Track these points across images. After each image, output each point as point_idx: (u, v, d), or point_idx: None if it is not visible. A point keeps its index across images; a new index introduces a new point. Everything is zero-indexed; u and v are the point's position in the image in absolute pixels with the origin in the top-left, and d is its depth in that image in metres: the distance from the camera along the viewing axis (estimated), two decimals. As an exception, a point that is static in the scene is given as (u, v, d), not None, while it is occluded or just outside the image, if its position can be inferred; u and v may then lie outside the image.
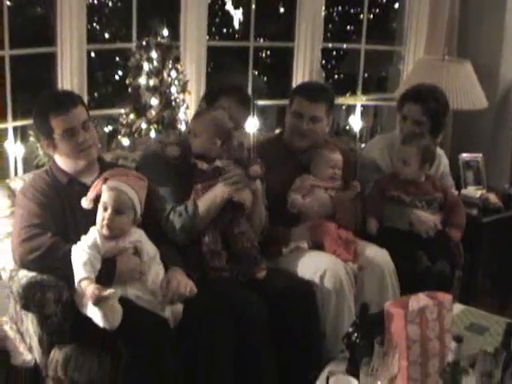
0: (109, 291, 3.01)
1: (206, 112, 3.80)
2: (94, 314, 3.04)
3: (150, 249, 3.34)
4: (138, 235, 3.33)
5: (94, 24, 7.14)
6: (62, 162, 3.48)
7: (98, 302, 2.98)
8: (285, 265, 3.88)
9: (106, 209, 3.22)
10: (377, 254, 3.98)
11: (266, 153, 4.05)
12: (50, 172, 3.53)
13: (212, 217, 3.64)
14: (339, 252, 3.88)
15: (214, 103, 3.97)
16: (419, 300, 2.91)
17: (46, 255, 3.22)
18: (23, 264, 3.28)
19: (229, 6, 9.11)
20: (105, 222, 3.20)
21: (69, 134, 3.38)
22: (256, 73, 6.12)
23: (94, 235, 3.21)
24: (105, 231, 3.20)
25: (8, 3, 4.66)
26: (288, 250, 3.92)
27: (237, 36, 8.79)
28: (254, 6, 5.63)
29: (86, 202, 3.30)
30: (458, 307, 3.63)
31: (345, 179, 4.21)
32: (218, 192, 3.63)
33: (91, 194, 3.30)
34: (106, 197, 3.23)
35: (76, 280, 3.08)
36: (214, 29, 6.59)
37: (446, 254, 4.15)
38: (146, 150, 4.04)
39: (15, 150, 4.58)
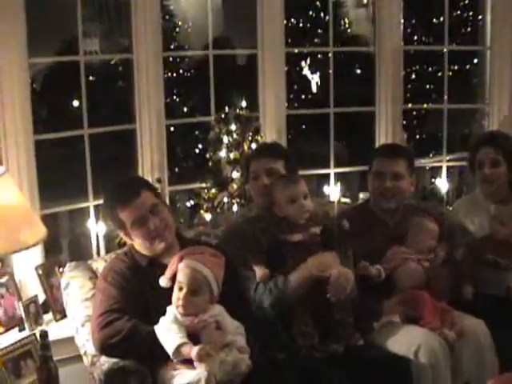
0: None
1: (286, 178, 3.76)
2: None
3: (231, 322, 3.25)
4: (218, 310, 3.25)
5: (174, 97, 7.16)
6: (140, 247, 3.46)
7: (206, 357, 2.99)
8: (377, 340, 3.73)
9: (181, 289, 3.17)
10: (473, 325, 3.79)
11: (353, 222, 3.93)
12: (129, 254, 3.50)
13: (304, 292, 3.53)
14: (436, 322, 3.70)
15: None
16: (525, 377, 2.75)
17: (127, 339, 3.17)
18: (103, 351, 3.24)
19: (306, 71, 9.10)
20: (180, 302, 3.15)
21: (139, 223, 3.38)
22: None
23: (172, 313, 3.16)
24: (181, 310, 3.15)
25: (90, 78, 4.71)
26: (380, 325, 3.78)
27: (316, 98, 8.76)
28: (331, 71, 5.58)
29: (164, 281, 3.26)
30: None
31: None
32: (311, 267, 3.53)
33: (168, 272, 3.27)
34: (181, 276, 3.19)
35: (172, 349, 3.04)
36: (291, 95, 6.52)
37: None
38: (228, 225, 3.97)
39: (97, 228, 4.57)
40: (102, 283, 3.39)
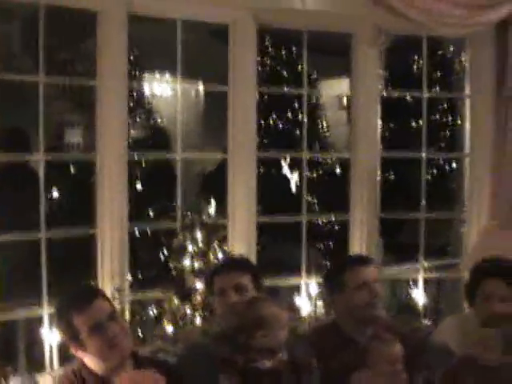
0: None
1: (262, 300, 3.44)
2: None
3: None
4: None
5: (139, 199, 6.99)
6: (92, 362, 3.18)
7: None
8: None
9: None
10: None
11: (322, 341, 3.78)
12: (78, 373, 3.23)
13: None
14: None
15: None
16: None
17: None
18: None
19: (286, 171, 9.01)
20: None
21: (96, 329, 3.12)
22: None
23: None
24: None
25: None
26: None
27: (295, 200, 8.62)
28: (305, 176, 5.46)
29: None
30: None
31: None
32: None
33: None
34: None
35: None
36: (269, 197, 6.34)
37: None
38: (188, 343, 3.73)
39: (51, 338, 4.31)
40: None
